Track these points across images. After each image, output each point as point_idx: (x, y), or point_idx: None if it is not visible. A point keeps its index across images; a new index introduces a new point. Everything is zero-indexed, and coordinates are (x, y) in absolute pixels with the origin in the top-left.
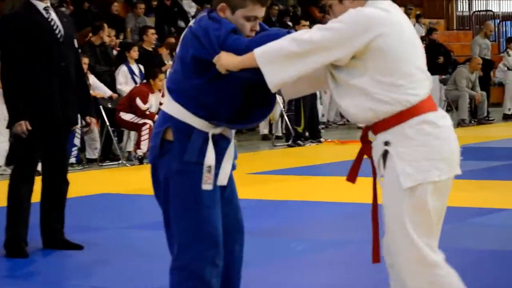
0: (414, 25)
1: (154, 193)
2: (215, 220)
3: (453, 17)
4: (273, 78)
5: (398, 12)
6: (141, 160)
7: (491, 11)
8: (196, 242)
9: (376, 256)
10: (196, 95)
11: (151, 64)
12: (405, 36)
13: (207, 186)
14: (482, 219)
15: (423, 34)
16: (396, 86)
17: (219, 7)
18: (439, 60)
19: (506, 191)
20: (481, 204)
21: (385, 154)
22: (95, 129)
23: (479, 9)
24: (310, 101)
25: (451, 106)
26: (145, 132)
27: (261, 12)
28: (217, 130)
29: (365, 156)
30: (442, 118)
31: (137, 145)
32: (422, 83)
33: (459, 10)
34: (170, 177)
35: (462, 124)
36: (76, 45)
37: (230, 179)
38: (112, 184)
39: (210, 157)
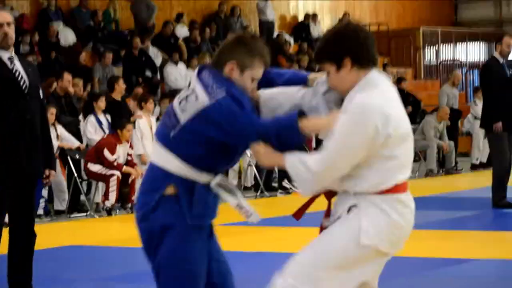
0: None
1: (143, 246)
2: (203, 273)
3: (421, 66)
4: (302, 192)
5: (394, 93)
6: (109, 212)
7: (458, 60)
8: None
9: None
10: (203, 159)
11: (119, 115)
12: (400, 119)
13: (252, 218)
14: (449, 269)
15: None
16: (388, 170)
17: (228, 68)
18: (408, 109)
19: (474, 241)
20: (448, 254)
21: (352, 206)
22: (63, 180)
23: (447, 59)
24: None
25: (419, 156)
26: (113, 183)
27: (261, 73)
28: (218, 179)
29: None
30: (410, 201)
31: (105, 196)
32: (409, 167)
33: (426, 59)
34: (170, 229)
35: (430, 174)
36: (42, 96)
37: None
38: (81, 236)
39: (230, 199)
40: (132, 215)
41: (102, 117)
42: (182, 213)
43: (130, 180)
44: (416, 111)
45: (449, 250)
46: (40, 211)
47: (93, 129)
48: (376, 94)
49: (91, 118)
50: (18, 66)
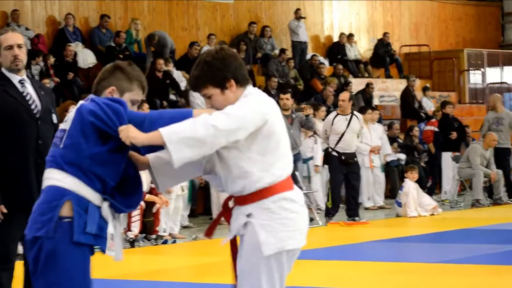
0: (421, 99)
1: (30, 267)
2: None
3: (465, 90)
4: (178, 156)
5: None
6: (132, 243)
7: (505, 83)
8: None
9: None
10: (93, 166)
11: None
12: (281, 119)
13: (110, 252)
14: None
15: (433, 108)
16: (270, 165)
17: (109, 90)
18: (452, 135)
19: None
20: None
21: (245, 224)
22: None
23: (493, 81)
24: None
25: (464, 186)
26: (136, 213)
27: (141, 97)
28: (107, 204)
29: None
30: (297, 195)
31: (128, 226)
32: (290, 164)
33: (471, 82)
34: (62, 250)
35: (477, 205)
36: (55, 120)
37: None
38: (102, 269)
39: (110, 226)
40: (156, 247)
41: None
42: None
43: (154, 209)
44: (461, 137)
45: (497, 286)
46: None
47: None
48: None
49: None
50: (29, 89)
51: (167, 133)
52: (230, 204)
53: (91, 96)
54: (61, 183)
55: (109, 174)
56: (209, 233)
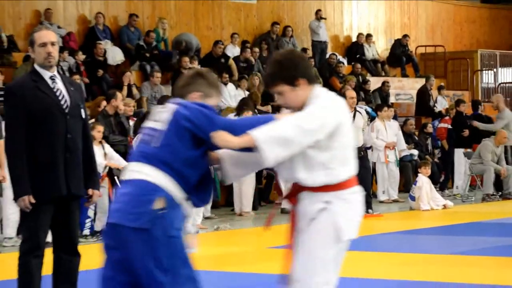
0: (437, 97)
1: (120, 254)
2: None
3: (478, 89)
4: (271, 155)
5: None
6: None
7: None
8: None
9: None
10: (184, 167)
11: None
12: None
13: (195, 249)
14: None
15: (447, 106)
16: (347, 160)
17: (193, 95)
18: (464, 133)
19: None
20: (505, 282)
21: (321, 209)
22: (106, 200)
23: (505, 81)
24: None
25: (476, 181)
26: None
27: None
28: (189, 202)
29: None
30: (361, 191)
31: None
32: (355, 163)
33: (484, 81)
34: (162, 242)
35: (487, 199)
36: (84, 115)
37: None
38: None
39: (190, 222)
40: None
41: None
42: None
43: None
44: (473, 134)
45: (506, 277)
46: (86, 231)
47: None
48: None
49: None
50: (60, 85)
51: (259, 135)
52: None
53: (180, 100)
54: (152, 179)
55: (194, 174)
56: (268, 223)
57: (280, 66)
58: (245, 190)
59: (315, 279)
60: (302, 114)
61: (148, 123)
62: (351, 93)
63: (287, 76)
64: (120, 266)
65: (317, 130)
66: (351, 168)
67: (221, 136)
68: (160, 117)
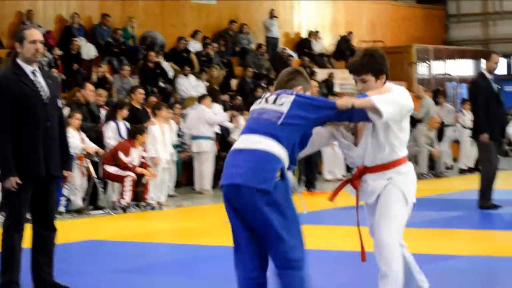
0: None
1: (249, 216)
2: None
3: (414, 80)
4: (387, 111)
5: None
6: (124, 209)
7: (449, 74)
8: (302, 244)
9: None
10: (299, 144)
11: (139, 121)
12: None
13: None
14: (441, 265)
15: None
16: (404, 142)
17: (298, 88)
18: None
19: (461, 239)
20: (438, 251)
21: (386, 185)
22: (81, 179)
23: (438, 73)
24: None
25: (411, 161)
26: (128, 183)
27: None
28: (291, 173)
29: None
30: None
31: (121, 195)
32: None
33: (419, 73)
34: (279, 205)
35: (421, 178)
36: (60, 105)
37: None
38: (98, 231)
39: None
40: (145, 213)
41: (121, 124)
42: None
43: (144, 180)
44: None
45: (439, 247)
46: (62, 209)
47: (112, 134)
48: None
49: (112, 124)
50: (40, 78)
51: (375, 98)
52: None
53: (291, 91)
54: (276, 151)
55: (299, 151)
56: (333, 197)
57: (374, 60)
58: (205, 170)
59: (398, 239)
60: (390, 94)
61: (264, 106)
62: (313, 83)
63: (376, 69)
64: (240, 220)
65: (401, 110)
66: (405, 147)
67: (343, 101)
68: (279, 101)
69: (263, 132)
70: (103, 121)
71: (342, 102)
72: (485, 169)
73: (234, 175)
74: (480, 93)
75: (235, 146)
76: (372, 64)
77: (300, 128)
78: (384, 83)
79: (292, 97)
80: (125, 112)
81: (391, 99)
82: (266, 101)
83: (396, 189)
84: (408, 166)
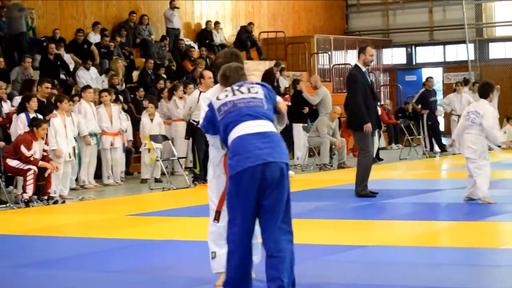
0: (278, 78)
1: (274, 189)
2: None
3: (315, 70)
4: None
5: None
6: (27, 203)
7: (349, 64)
8: None
9: None
10: (275, 124)
11: (43, 114)
12: None
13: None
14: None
15: (287, 86)
16: None
17: (253, 78)
18: (305, 110)
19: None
20: (342, 242)
21: None
22: None
23: (339, 62)
24: (204, 144)
25: (313, 152)
26: (30, 177)
27: None
28: None
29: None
30: None
31: (23, 189)
32: None
33: (320, 63)
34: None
35: (324, 168)
36: None
37: None
38: (0, 226)
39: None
40: (48, 207)
41: (32, 116)
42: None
43: (46, 174)
44: (312, 111)
45: (342, 238)
46: None
47: (23, 126)
48: None
49: (22, 115)
50: None
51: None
52: None
53: (251, 82)
54: (276, 131)
55: None
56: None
57: (239, 59)
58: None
59: None
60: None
61: (241, 96)
62: (208, 73)
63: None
64: (255, 199)
65: None
66: None
67: (283, 105)
68: (253, 90)
69: (262, 116)
70: (4, 115)
71: (283, 106)
72: (364, 158)
73: (263, 155)
74: (357, 86)
75: (245, 131)
76: (239, 62)
77: (273, 111)
78: None
79: (260, 87)
80: (34, 104)
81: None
82: (237, 92)
83: None
84: None
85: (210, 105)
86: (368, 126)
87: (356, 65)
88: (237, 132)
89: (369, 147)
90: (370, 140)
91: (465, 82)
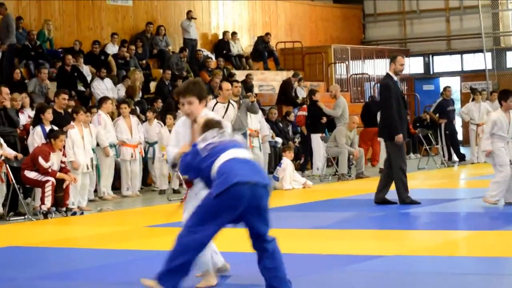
0: (296, 88)
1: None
2: None
3: (332, 80)
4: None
5: None
6: (45, 215)
7: (366, 74)
8: None
9: None
10: None
11: (60, 125)
12: None
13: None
14: (354, 266)
15: (304, 96)
16: None
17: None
18: (323, 120)
19: (376, 239)
20: (361, 252)
21: None
22: (0, 185)
23: (356, 72)
24: None
25: (331, 162)
26: (48, 188)
27: None
28: None
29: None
30: None
31: (41, 201)
32: None
33: (337, 73)
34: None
35: (342, 179)
36: None
37: None
38: (19, 238)
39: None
40: (67, 218)
41: (48, 128)
42: None
43: (64, 185)
44: (329, 120)
45: (359, 248)
46: None
47: (39, 139)
48: None
49: (38, 128)
50: None
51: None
52: None
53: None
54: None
55: None
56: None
57: (198, 86)
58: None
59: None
60: None
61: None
62: (227, 85)
63: (200, 93)
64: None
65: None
66: None
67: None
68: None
69: (245, 149)
70: (21, 126)
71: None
72: (398, 167)
73: (261, 177)
74: (390, 95)
75: (232, 156)
76: (197, 89)
77: None
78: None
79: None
80: (49, 116)
81: None
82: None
83: None
84: None
85: (194, 149)
86: (400, 137)
87: (387, 74)
88: (224, 157)
89: (403, 155)
90: (403, 148)
91: (472, 91)
